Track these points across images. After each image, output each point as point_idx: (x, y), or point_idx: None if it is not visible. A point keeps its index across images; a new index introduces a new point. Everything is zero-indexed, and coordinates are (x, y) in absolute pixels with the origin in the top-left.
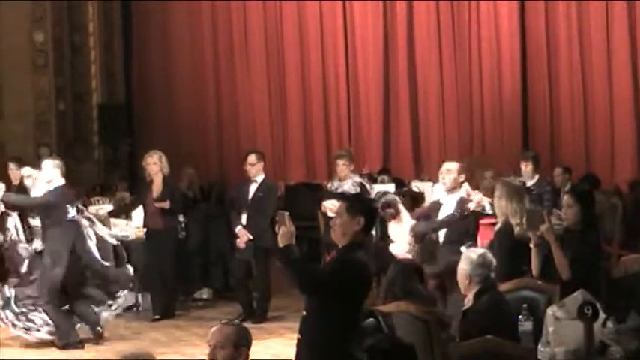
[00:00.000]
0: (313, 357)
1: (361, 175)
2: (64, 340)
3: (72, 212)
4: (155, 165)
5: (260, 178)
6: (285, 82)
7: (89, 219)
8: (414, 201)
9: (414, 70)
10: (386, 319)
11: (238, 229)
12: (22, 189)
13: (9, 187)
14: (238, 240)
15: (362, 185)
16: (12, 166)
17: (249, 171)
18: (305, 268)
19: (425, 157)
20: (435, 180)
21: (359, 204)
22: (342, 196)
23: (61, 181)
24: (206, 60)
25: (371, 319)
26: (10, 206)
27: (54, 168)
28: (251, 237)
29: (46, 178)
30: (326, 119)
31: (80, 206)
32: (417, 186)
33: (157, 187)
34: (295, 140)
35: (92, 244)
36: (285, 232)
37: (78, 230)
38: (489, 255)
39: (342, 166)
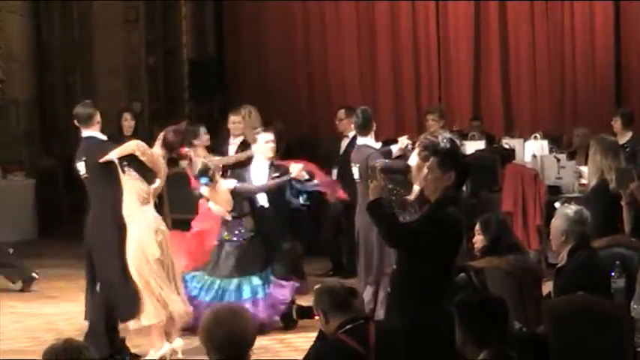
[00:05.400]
0: (403, 311)
1: (451, 131)
2: None
3: None
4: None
5: (352, 133)
6: (376, 36)
7: None
8: (505, 158)
9: (504, 23)
10: (478, 274)
11: None
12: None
13: (120, 138)
14: (329, 195)
15: (452, 141)
16: (127, 116)
17: (339, 126)
18: (393, 222)
19: (516, 114)
20: (526, 137)
21: (450, 159)
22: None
23: None
24: (296, 14)
25: (462, 275)
26: None
27: None
28: (345, 196)
29: None
30: (416, 75)
31: None
32: (507, 143)
33: None
34: (385, 96)
35: None
36: (375, 185)
37: None
38: (585, 212)
39: (431, 121)
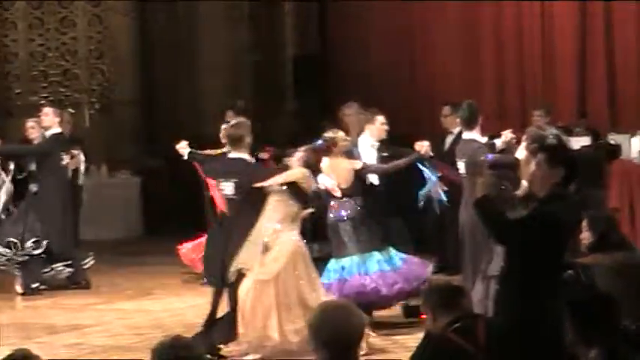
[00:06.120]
0: (510, 309)
1: (557, 128)
2: None
3: None
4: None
5: (456, 129)
6: (480, 34)
7: None
8: (611, 154)
9: (610, 22)
10: (585, 271)
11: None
12: None
13: None
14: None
15: (559, 137)
16: (230, 114)
17: (444, 122)
18: (499, 218)
19: (621, 109)
20: (632, 132)
21: (559, 155)
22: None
23: None
24: (400, 12)
25: (570, 272)
26: None
27: None
28: (445, 189)
29: None
30: (519, 70)
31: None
32: (613, 138)
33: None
34: (489, 93)
35: None
36: (482, 181)
37: None
38: None
39: (537, 117)
